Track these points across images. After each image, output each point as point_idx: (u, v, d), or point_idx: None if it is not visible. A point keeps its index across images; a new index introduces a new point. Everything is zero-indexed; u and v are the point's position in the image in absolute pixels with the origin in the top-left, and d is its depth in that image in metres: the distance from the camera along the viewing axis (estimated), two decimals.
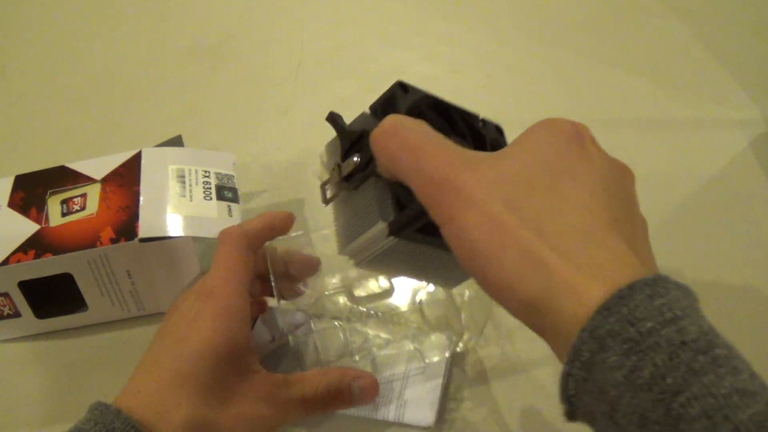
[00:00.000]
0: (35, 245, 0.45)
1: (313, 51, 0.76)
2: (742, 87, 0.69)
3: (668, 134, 0.65)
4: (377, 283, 0.49)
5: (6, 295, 0.46)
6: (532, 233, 0.25)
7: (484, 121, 0.37)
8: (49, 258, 0.45)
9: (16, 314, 0.48)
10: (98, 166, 0.50)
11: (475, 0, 0.82)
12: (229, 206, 0.51)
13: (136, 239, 0.46)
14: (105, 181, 0.49)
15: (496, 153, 0.30)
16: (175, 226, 0.47)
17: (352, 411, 0.44)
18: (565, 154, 0.29)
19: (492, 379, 0.47)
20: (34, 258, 0.45)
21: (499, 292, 0.26)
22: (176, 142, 0.58)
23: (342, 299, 0.49)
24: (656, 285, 0.23)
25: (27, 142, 0.67)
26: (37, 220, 0.47)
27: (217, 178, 0.52)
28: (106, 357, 0.50)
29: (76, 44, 0.78)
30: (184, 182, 0.50)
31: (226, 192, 0.51)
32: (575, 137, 0.30)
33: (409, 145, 0.29)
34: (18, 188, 0.50)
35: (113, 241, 0.46)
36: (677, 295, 0.23)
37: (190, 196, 0.49)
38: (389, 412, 0.44)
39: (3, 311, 0.47)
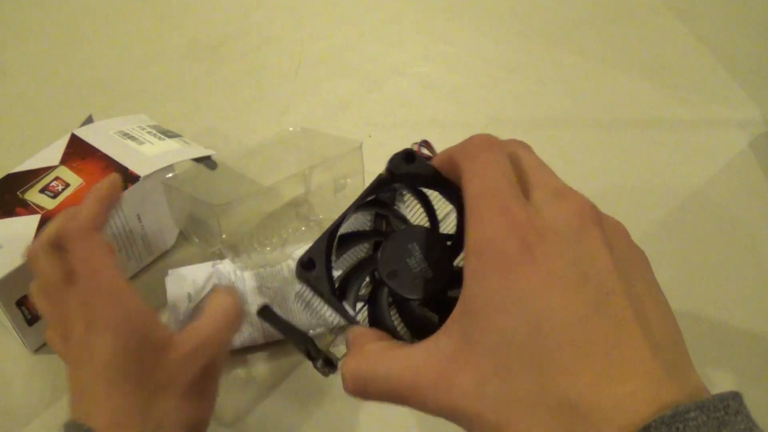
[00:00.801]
0: None
1: (313, 51, 0.76)
2: (742, 87, 0.69)
3: (668, 134, 0.65)
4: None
5: None
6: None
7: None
8: None
9: None
10: (43, 158, 0.52)
11: (474, 0, 0.82)
12: (182, 140, 0.56)
13: (141, 179, 0.49)
14: (65, 161, 0.51)
15: (462, 346, 0.25)
16: (160, 159, 0.51)
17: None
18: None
19: None
20: None
21: None
22: (89, 121, 0.59)
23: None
24: (673, 423, 0.22)
25: (27, 140, 0.67)
26: (33, 213, 0.47)
27: (152, 128, 0.56)
28: None
29: (75, 44, 0.78)
30: (134, 137, 0.54)
31: (170, 133, 0.56)
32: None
33: (384, 393, 0.27)
34: None
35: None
36: (695, 426, 0.22)
37: (149, 143, 0.53)
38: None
39: (35, 312, 0.47)
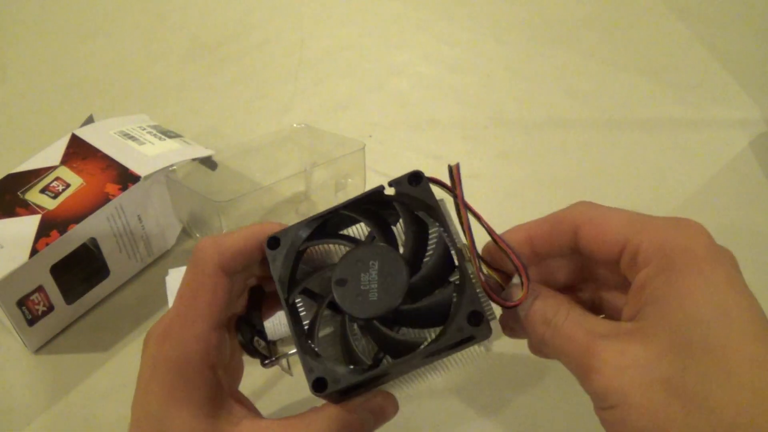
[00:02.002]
0: (53, 226, 0.47)
1: (313, 51, 0.76)
2: (742, 87, 0.69)
3: (668, 134, 0.65)
4: None
5: (40, 289, 0.47)
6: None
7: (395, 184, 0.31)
8: (74, 229, 0.46)
9: (50, 308, 0.48)
10: (43, 158, 0.52)
11: (475, 0, 0.82)
12: (182, 140, 0.56)
13: (141, 179, 0.49)
14: (65, 162, 0.51)
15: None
16: (160, 159, 0.51)
17: None
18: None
19: None
20: (60, 235, 0.46)
21: None
22: (90, 121, 0.60)
23: None
24: None
25: (27, 140, 0.67)
26: (33, 213, 0.47)
27: (153, 128, 0.56)
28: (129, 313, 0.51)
29: (75, 44, 0.78)
30: (134, 137, 0.54)
31: (170, 134, 0.56)
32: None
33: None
34: None
35: (122, 190, 0.49)
36: None
37: (150, 143, 0.53)
38: None
39: (38, 310, 0.48)
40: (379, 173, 0.60)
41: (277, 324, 0.47)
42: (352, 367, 0.28)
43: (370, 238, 0.31)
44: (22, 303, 0.46)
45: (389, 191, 0.31)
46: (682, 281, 0.25)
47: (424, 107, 0.69)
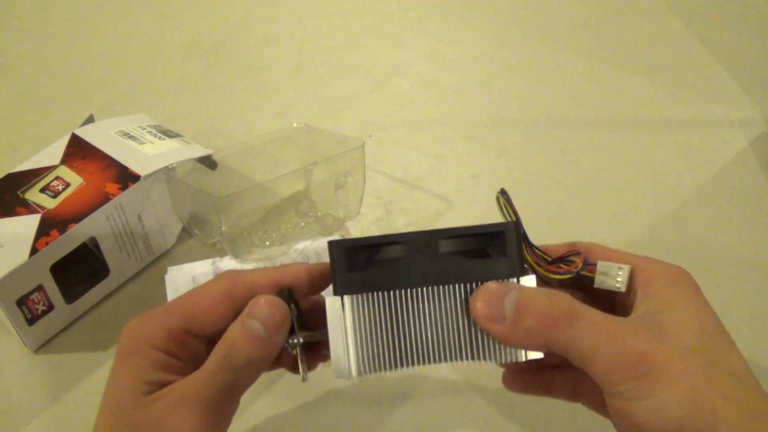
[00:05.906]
0: (52, 226, 0.46)
1: (313, 51, 0.76)
2: (742, 87, 0.69)
3: (668, 134, 0.65)
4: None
5: (40, 288, 0.47)
6: (730, 402, 0.27)
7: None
8: (73, 228, 0.46)
9: (50, 308, 0.48)
10: (43, 158, 0.52)
11: (475, 0, 0.82)
12: (182, 140, 0.55)
13: (141, 178, 0.49)
14: (66, 161, 0.51)
15: (651, 320, 0.30)
16: (160, 158, 0.51)
17: None
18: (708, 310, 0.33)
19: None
20: (60, 234, 0.46)
21: None
22: (90, 120, 0.60)
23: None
24: None
25: (27, 140, 0.67)
26: (33, 212, 0.47)
27: (153, 128, 0.56)
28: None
29: (75, 44, 0.78)
30: (134, 137, 0.54)
31: (170, 133, 0.56)
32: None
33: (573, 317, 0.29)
34: None
35: (122, 189, 0.49)
36: None
37: (150, 143, 0.54)
38: None
39: (38, 309, 0.47)
40: (380, 173, 0.60)
41: None
42: None
43: None
44: (21, 302, 0.46)
45: None
46: (687, 296, 0.32)
47: (424, 107, 0.69)
